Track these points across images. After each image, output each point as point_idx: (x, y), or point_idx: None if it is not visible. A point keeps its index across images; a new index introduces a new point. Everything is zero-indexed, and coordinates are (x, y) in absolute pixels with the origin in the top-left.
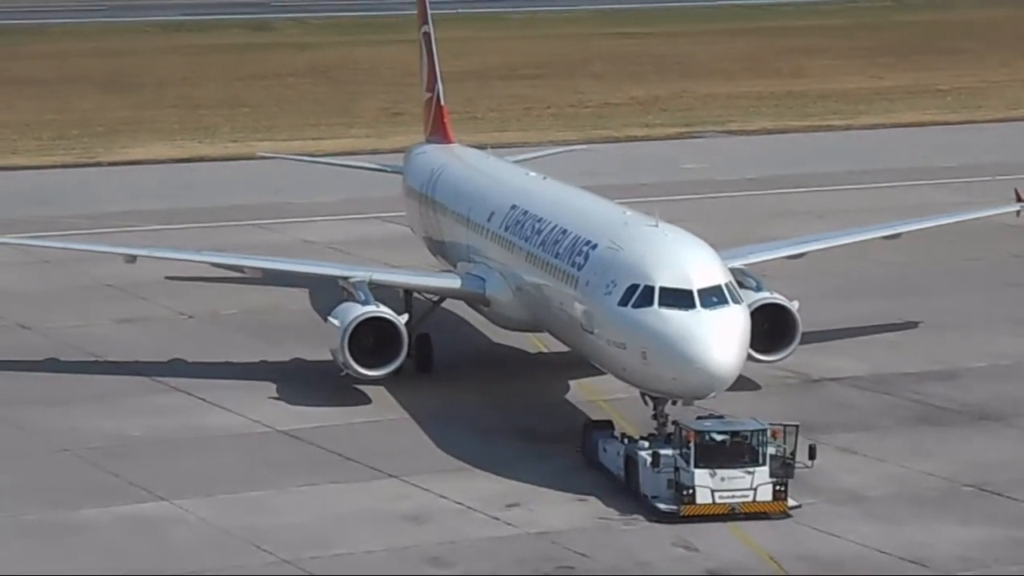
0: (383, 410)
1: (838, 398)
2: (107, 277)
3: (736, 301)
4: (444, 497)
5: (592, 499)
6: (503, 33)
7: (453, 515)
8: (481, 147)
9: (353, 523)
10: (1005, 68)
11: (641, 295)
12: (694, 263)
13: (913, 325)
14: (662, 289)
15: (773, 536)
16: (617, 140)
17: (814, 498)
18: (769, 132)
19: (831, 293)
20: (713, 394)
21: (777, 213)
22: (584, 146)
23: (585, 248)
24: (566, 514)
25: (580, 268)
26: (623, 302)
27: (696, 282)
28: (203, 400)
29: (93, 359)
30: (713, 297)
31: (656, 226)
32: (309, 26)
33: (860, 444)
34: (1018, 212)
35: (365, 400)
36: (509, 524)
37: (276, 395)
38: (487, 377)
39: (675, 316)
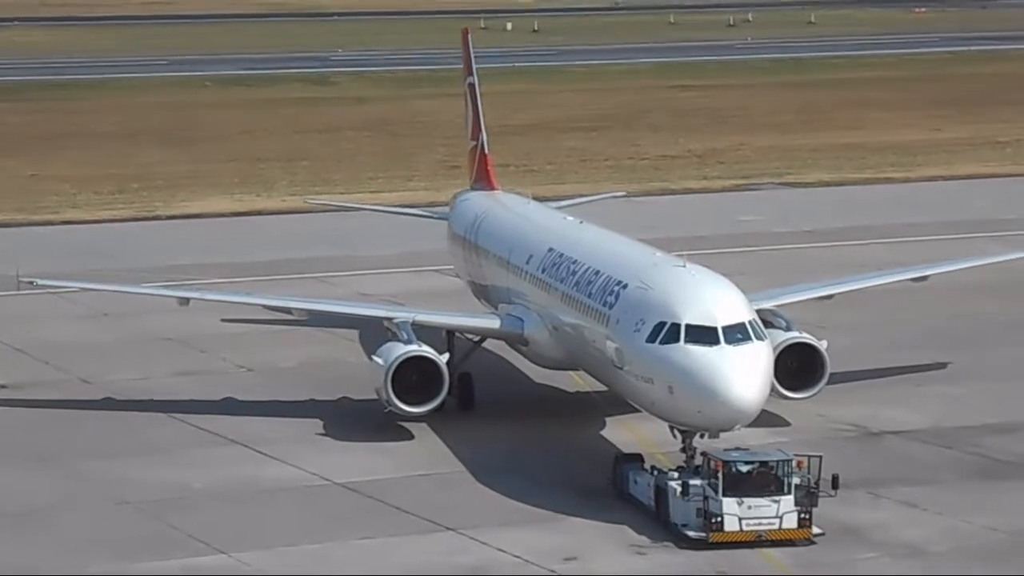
0: (438, 462)
1: (898, 451)
2: (166, 330)
3: (760, 338)
4: (502, 551)
5: (650, 551)
6: (561, 86)
7: (511, 568)
8: (523, 194)
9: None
10: None
11: (668, 332)
12: (719, 301)
13: (970, 377)
14: (688, 326)
15: None
16: (674, 192)
17: (875, 552)
18: (826, 184)
19: (889, 344)
20: (738, 427)
21: (834, 265)
22: (622, 193)
23: (616, 288)
24: (622, 566)
25: (611, 307)
26: (651, 339)
27: (721, 319)
28: (261, 453)
29: (153, 412)
30: (738, 334)
31: (684, 266)
32: (367, 80)
33: (921, 498)
34: None
35: (418, 450)
36: None
37: (333, 447)
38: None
39: (700, 352)
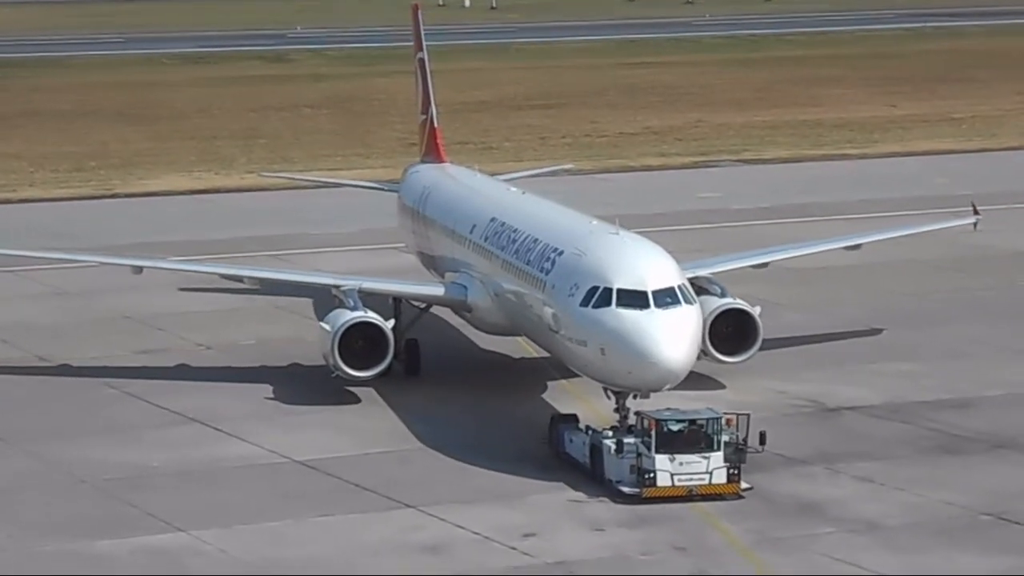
0: (397, 439)
1: (855, 427)
2: (124, 308)
3: (689, 302)
4: (461, 527)
5: (609, 528)
6: (518, 64)
7: (471, 545)
8: (470, 166)
9: (371, 554)
10: (1020, 96)
11: (601, 296)
12: (650, 267)
13: (926, 354)
14: (619, 291)
15: (789, 565)
16: (633, 169)
17: (833, 527)
18: (784, 161)
19: (844, 323)
20: (668, 386)
21: (793, 241)
22: (569, 164)
23: (552, 255)
24: (582, 543)
25: (548, 273)
26: (584, 303)
27: (651, 284)
28: (220, 431)
29: (111, 390)
30: (667, 298)
31: (617, 234)
32: (325, 57)
33: (877, 473)
34: (975, 225)
35: (379, 426)
36: (526, 554)
37: (292, 425)
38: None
39: (631, 315)
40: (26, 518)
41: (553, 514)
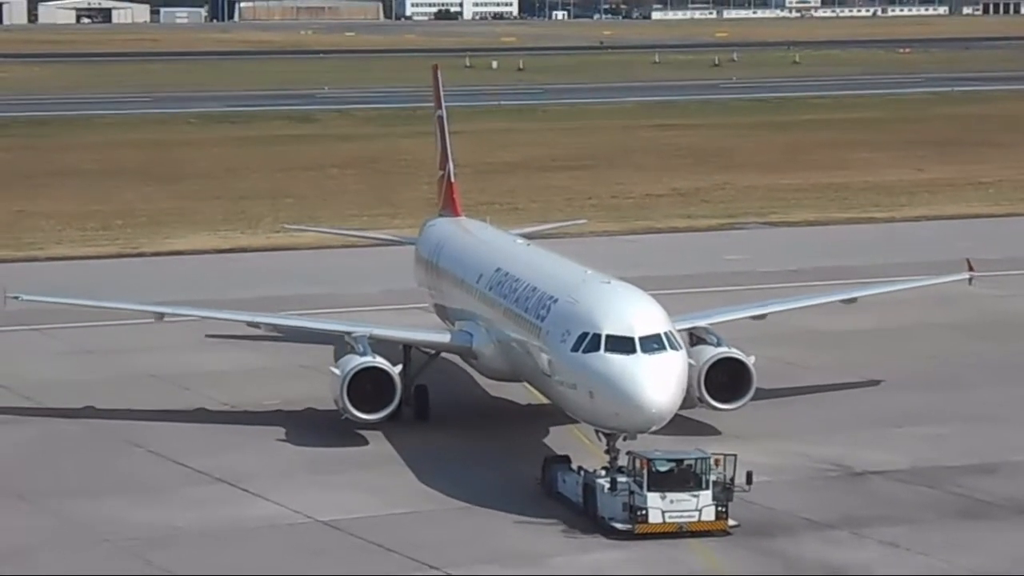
0: (421, 499)
1: (881, 491)
2: (149, 367)
3: (674, 348)
4: None
5: None
6: (546, 124)
7: None
8: (483, 219)
9: None
10: None
11: (590, 342)
12: (637, 314)
13: (951, 418)
14: (608, 336)
15: None
16: (659, 231)
17: None
18: (810, 224)
19: (870, 386)
20: (653, 428)
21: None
22: (583, 220)
23: (548, 302)
24: None
25: (543, 320)
26: (575, 348)
27: (638, 331)
28: (244, 490)
29: (135, 449)
30: (654, 344)
31: (609, 283)
32: (352, 118)
33: (902, 538)
34: (970, 280)
35: (402, 488)
36: None
37: (316, 485)
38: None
39: (618, 360)
40: None
41: None
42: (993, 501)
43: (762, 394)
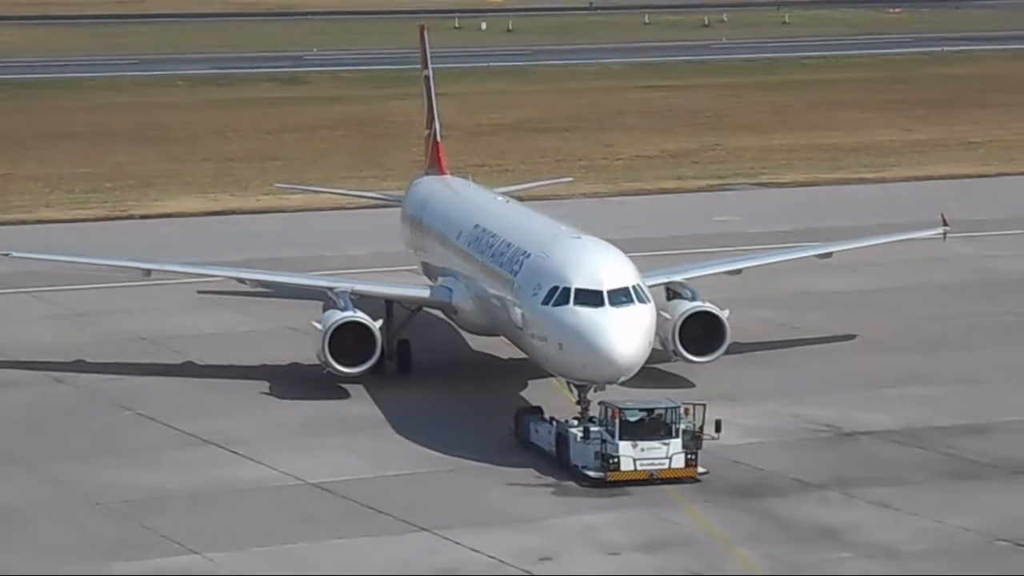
0: (413, 462)
1: (871, 452)
2: (140, 329)
3: (642, 301)
4: (476, 551)
5: (624, 553)
6: (535, 86)
7: (486, 569)
8: (465, 176)
9: None
10: None
11: (560, 295)
12: (607, 268)
13: (944, 379)
14: (577, 290)
15: None
16: (649, 192)
17: (849, 553)
18: (800, 185)
19: (862, 347)
20: (621, 379)
21: (812, 265)
22: (568, 178)
23: (521, 257)
24: (598, 567)
25: (516, 274)
26: (545, 301)
27: (607, 284)
28: (235, 453)
29: (126, 412)
30: (622, 297)
31: (580, 238)
32: (341, 79)
33: (894, 499)
34: (944, 235)
35: (396, 450)
36: None
37: (307, 448)
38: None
39: (587, 313)
40: (40, 540)
41: (568, 538)
42: (985, 462)
43: (753, 356)
